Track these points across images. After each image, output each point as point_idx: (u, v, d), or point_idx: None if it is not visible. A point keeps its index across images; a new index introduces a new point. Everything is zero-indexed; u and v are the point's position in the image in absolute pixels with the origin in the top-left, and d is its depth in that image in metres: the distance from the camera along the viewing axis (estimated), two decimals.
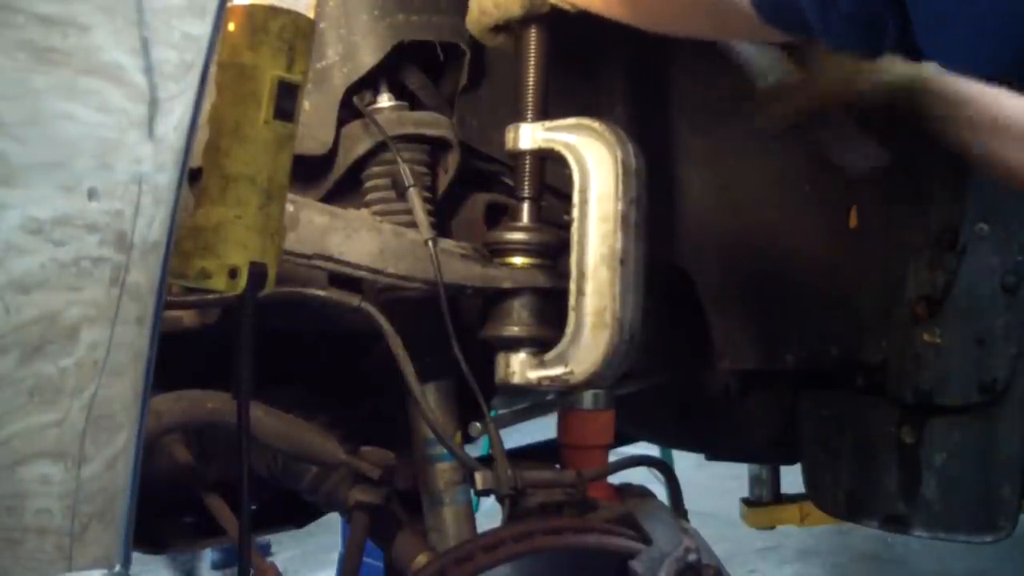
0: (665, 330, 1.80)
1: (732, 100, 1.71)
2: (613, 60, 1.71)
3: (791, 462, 2.03)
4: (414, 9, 1.53)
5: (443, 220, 1.61)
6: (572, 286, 1.42)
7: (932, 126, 1.35)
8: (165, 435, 1.42)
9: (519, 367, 1.46)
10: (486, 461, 1.44)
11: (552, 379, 1.44)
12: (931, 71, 1.32)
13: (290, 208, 1.35)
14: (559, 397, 1.63)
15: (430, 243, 1.45)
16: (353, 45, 1.51)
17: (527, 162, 1.49)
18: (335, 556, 3.58)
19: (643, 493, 1.56)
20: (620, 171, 1.41)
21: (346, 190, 1.57)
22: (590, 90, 1.69)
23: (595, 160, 1.42)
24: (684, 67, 1.71)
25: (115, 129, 0.75)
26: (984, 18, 0.96)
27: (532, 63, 1.48)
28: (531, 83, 1.48)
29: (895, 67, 1.34)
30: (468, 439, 1.64)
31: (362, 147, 1.54)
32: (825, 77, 1.40)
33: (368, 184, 1.56)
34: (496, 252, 1.51)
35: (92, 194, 0.74)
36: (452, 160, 1.61)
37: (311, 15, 1.02)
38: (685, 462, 3.31)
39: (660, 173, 1.66)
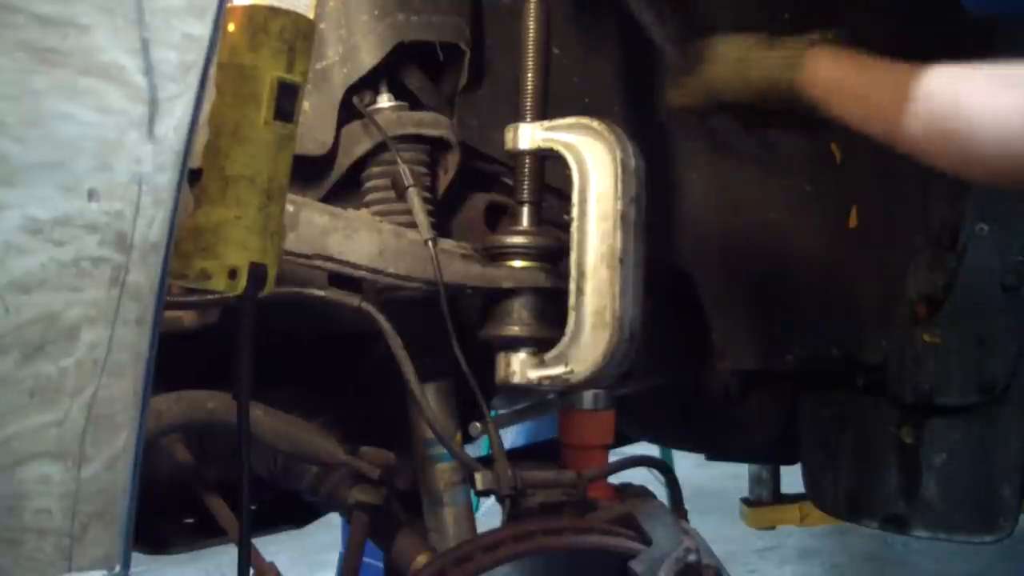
0: (665, 330, 1.80)
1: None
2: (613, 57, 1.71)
3: (791, 462, 2.03)
4: (414, 9, 1.53)
5: (443, 220, 1.61)
6: (572, 285, 1.42)
7: (808, 107, 1.37)
8: (165, 435, 1.42)
9: (519, 367, 1.46)
10: (486, 461, 1.44)
11: (552, 379, 1.44)
12: (794, 54, 1.35)
13: (290, 208, 1.35)
14: (559, 397, 1.63)
15: (430, 243, 1.45)
16: (353, 45, 1.51)
17: (527, 162, 1.49)
18: (335, 556, 3.59)
19: (643, 493, 1.56)
20: (619, 170, 1.41)
21: (346, 190, 1.58)
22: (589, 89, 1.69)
23: (594, 160, 1.42)
24: None
25: (115, 129, 0.75)
26: None
27: (532, 63, 1.48)
28: (531, 83, 1.48)
29: (773, 56, 1.37)
30: (468, 439, 1.64)
31: (362, 147, 1.54)
32: (714, 67, 1.43)
33: (368, 184, 1.56)
34: (496, 256, 1.51)
35: (92, 194, 0.74)
36: (452, 160, 1.61)
37: (311, 16, 1.02)
38: (685, 462, 3.31)
39: (660, 173, 1.66)
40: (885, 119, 1.25)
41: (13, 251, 0.71)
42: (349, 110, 1.55)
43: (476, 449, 1.98)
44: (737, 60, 1.40)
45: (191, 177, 0.86)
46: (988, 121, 1.13)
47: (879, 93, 1.26)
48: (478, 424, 1.54)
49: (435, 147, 1.59)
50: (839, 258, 1.72)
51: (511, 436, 2.86)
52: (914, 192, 1.65)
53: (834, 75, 1.32)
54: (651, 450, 2.64)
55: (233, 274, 0.97)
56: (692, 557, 1.32)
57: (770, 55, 1.37)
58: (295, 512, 1.76)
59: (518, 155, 1.49)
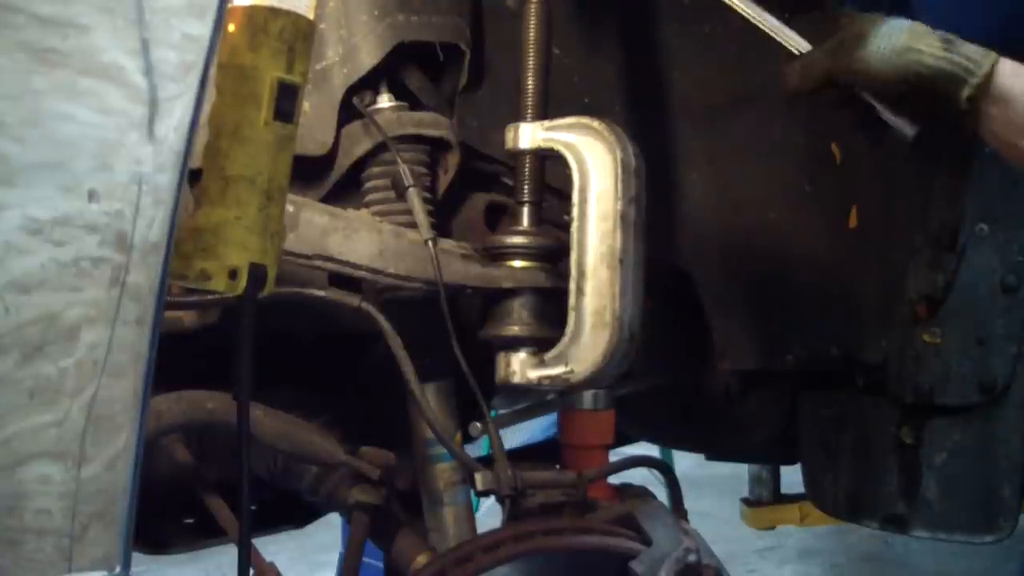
0: (665, 330, 1.80)
1: (733, 101, 1.72)
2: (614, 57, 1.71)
3: (791, 462, 2.03)
4: (414, 9, 1.53)
5: (443, 220, 1.61)
6: (572, 285, 1.42)
7: (967, 119, 1.25)
8: (165, 435, 1.42)
9: (519, 367, 1.46)
10: (486, 461, 1.44)
11: (552, 379, 1.44)
12: (979, 61, 1.22)
13: (290, 208, 1.35)
14: (559, 397, 1.63)
15: (430, 243, 1.45)
16: (353, 46, 1.51)
17: (527, 162, 1.49)
18: (335, 556, 3.58)
19: (643, 493, 1.56)
20: (619, 170, 1.41)
21: (346, 190, 1.58)
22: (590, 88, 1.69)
23: (595, 159, 1.42)
24: (686, 68, 1.71)
25: (115, 130, 0.75)
26: None
27: (533, 63, 1.48)
28: (531, 83, 1.48)
29: (939, 51, 1.24)
30: (468, 439, 1.64)
31: (362, 147, 1.54)
32: (865, 50, 1.26)
33: (368, 184, 1.56)
34: (496, 256, 1.51)
35: (92, 195, 0.74)
36: (452, 160, 1.61)
37: (311, 16, 1.02)
38: (685, 462, 3.31)
39: (660, 173, 1.66)
40: None
41: (13, 251, 0.71)
42: (349, 110, 1.55)
43: (476, 449, 1.98)
44: (904, 48, 1.24)
45: (191, 177, 0.86)
46: None
47: None
48: (478, 424, 1.54)
49: (435, 147, 1.59)
50: (839, 258, 1.72)
51: (523, 434, 2.85)
52: (914, 192, 1.65)
53: None
54: (651, 450, 2.63)
55: (233, 274, 0.97)
56: (692, 557, 1.32)
57: (948, 52, 1.22)
58: (295, 512, 1.76)
59: (518, 155, 1.49)
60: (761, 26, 1.36)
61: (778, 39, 1.35)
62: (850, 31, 1.28)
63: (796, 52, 1.34)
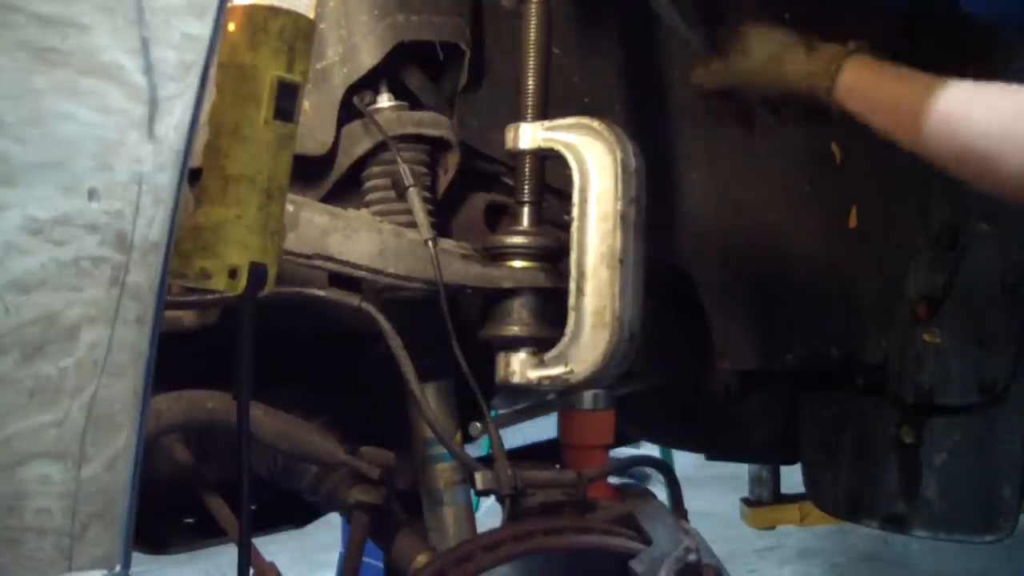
0: (665, 330, 1.80)
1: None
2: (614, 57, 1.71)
3: (791, 462, 2.03)
4: (414, 9, 1.53)
5: (443, 220, 1.61)
6: (572, 285, 1.42)
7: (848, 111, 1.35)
8: (165, 435, 1.42)
9: (519, 367, 1.46)
10: (486, 461, 1.44)
11: (552, 379, 1.44)
12: (827, 65, 1.33)
13: (290, 208, 1.35)
14: (559, 397, 1.63)
15: (430, 243, 1.45)
16: (353, 45, 1.51)
17: (527, 162, 1.49)
18: (335, 556, 3.59)
19: (643, 493, 1.56)
20: (619, 170, 1.41)
21: (346, 190, 1.58)
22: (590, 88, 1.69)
23: (595, 160, 1.42)
24: (686, 68, 1.71)
25: (115, 129, 0.75)
26: None
27: (533, 63, 1.48)
28: (531, 83, 1.48)
29: (811, 61, 1.35)
30: (468, 439, 1.64)
31: (362, 147, 1.54)
32: (745, 60, 1.42)
33: (368, 184, 1.56)
34: (496, 256, 1.51)
35: (92, 194, 0.74)
36: (452, 160, 1.61)
37: (311, 15, 1.02)
38: (685, 462, 3.31)
39: (660, 173, 1.66)
40: (916, 138, 1.25)
41: (13, 251, 0.71)
42: (349, 110, 1.55)
43: (476, 449, 1.98)
44: (772, 57, 1.39)
45: (191, 176, 0.86)
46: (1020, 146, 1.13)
47: (913, 111, 1.24)
48: (478, 424, 1.54)
49: (435, 147, 1.59)
50: (839, 258, 1.72)
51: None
52: (914, 192, 1.65)
53: (870, 88, 1.31)
54: (651, 450, 2.64)
55: (233, 274, 0.97)
56: (692, 557, 1.32)
57: (808, 59, 1.36)
58: (295, 512, 1.76)
59: (518, 155, 1.49)
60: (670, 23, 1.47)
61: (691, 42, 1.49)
62: (737, 44, 1.43)
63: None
